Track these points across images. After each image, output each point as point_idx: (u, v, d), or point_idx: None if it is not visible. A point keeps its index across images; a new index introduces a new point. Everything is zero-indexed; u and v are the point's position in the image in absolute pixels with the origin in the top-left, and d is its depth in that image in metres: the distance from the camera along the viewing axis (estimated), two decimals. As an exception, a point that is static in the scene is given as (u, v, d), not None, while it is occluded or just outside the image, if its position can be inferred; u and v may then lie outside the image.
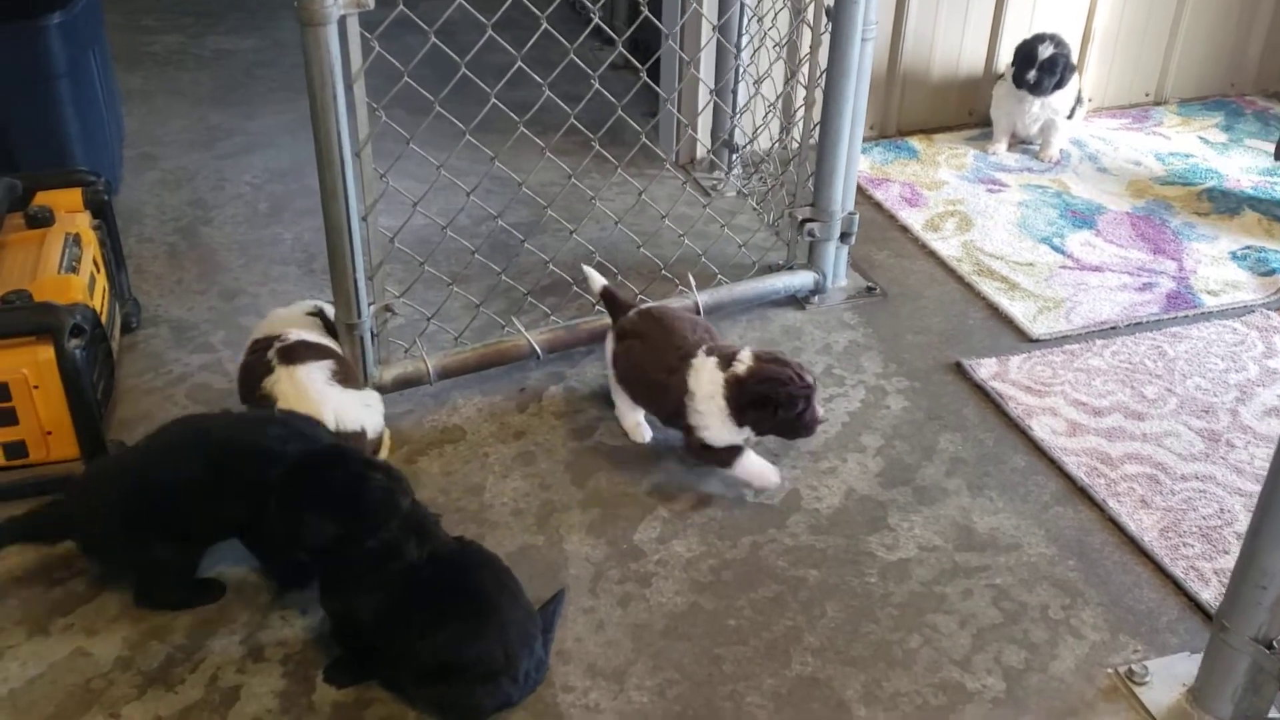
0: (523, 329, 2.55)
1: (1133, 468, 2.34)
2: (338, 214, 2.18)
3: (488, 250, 2.85)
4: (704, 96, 3.29)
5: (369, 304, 2.31)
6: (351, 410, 2.18)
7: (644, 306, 2.41)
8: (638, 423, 2.39)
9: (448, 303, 2.65)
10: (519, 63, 2.37)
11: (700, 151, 3.45)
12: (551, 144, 2.59)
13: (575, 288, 2.72)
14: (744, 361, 2.18)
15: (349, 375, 2.24)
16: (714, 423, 2.18)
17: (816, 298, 2.86)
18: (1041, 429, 2.44)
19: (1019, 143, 3.68)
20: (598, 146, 2.63)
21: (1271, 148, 3.69)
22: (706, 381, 2.18)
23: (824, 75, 2.63)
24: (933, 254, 3.10)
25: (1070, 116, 3.59)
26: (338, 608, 1.83)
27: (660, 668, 1.91)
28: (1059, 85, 3.43)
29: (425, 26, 2.23)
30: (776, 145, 3.20)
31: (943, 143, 3.70)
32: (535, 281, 2.81)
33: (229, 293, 2.90)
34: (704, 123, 3.40)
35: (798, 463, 2.35)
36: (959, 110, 3.80)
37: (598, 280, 2.49)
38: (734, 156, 3.39)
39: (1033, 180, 3.48)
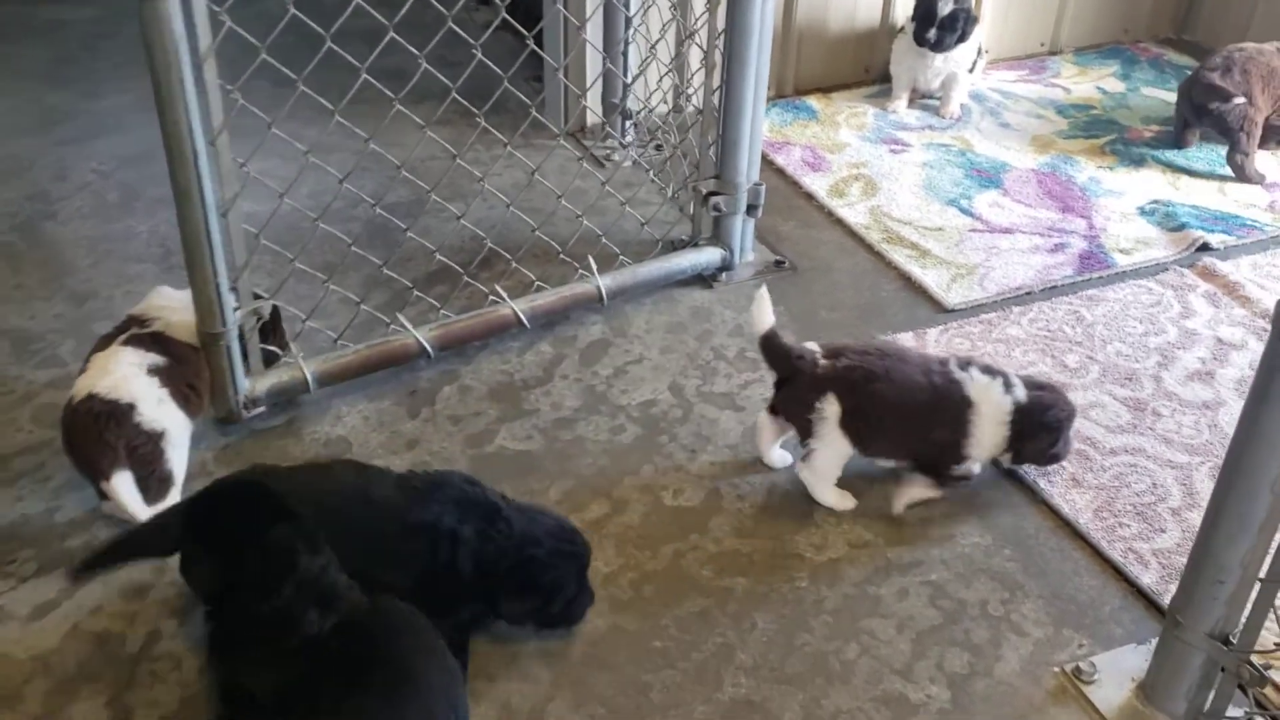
0: (409, 326, 2.32)
1: (1061, 444, 2.24)
2: (193, 213, 1.93)
3: (366, 238, 2.61)
4: (594, 60, 3.08)
5: (235, 309, 2.07)
6: (127, 386, 1.94)
7: (834, 347, 2.06)
8: (842, 494, 2.09)
9: (324, 300, 2.40)
10: (390, 32, 2.14)
11: (592, 119, 3.25)
12: (431, 117, 2.36)
13: (465, 276, 2.50)
14: (1016, 385, 2.03)
15: (177, 379, 2.01)
16: (988, 445, 2.03)
17: (724, 275, 2.69)
18: (965, 407, 2.33)
19: (919, 98, 3.56)
20: (483, 123, 2.41)
21: (1167, 95, 3.64)
22: (995, 403, 2.01)
23: (723, 36, 2.45)
24: (840, 222, 2.96)
25: (971, 70, 3.49)
26: (224, 675, 1.61)
27: (582, 702, 1.74)
28: (961, 39, 3.31)
29: (283, -7, 1.98)
30: (673, 112, 3.01)
31: (841, 101, 3.56)
32: (421, 270, 2.59)
33: (78, 297, 2.60)
34: (595, 89, 3.18)
35: (716, 458, 2.20)
36: (856, 67, 3.66)
37: (765, 317, 2.07)
38: (628, 124, 3.19)
39: (935, 139, 3.37)
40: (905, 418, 2.02)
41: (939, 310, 2.64)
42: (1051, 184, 3.15)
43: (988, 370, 2.05)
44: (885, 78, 3.60)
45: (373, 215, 2.57)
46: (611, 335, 2.52)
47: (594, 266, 2.51)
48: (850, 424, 2.01)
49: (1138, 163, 3.27)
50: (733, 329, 2.54)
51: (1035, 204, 3.06)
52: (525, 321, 2.41)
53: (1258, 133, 3.13)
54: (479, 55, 2.28)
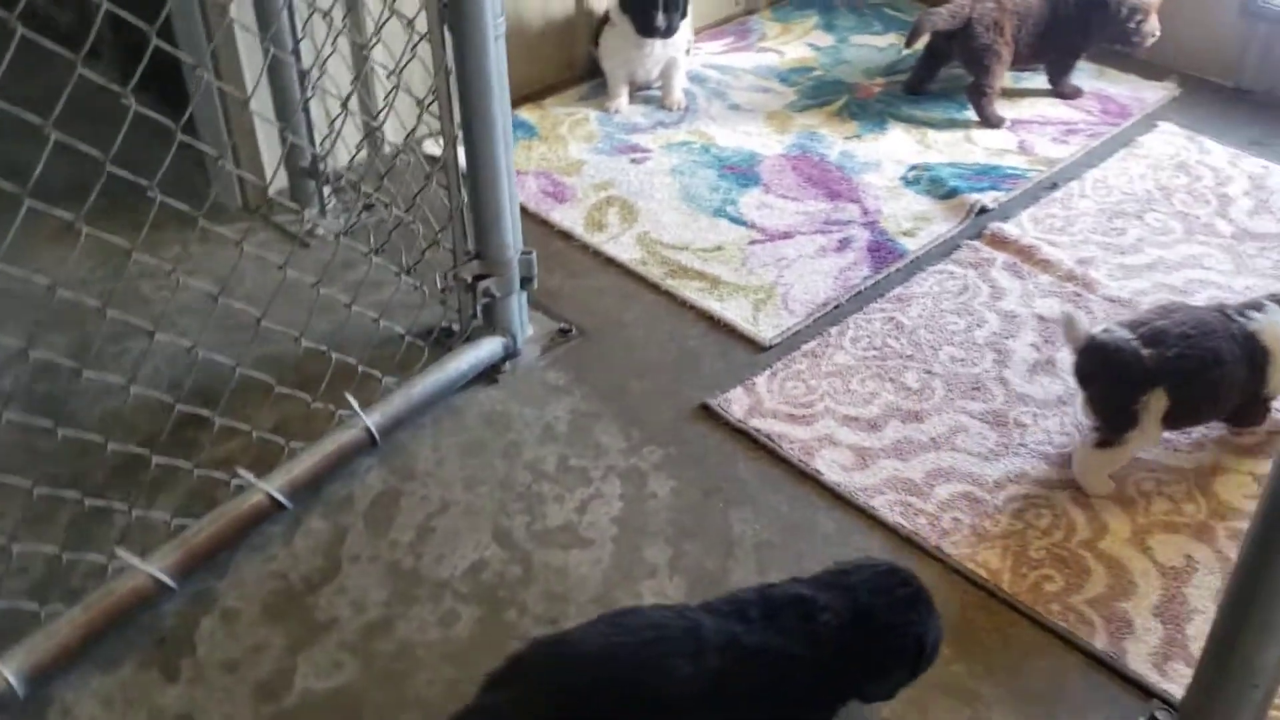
0: (136, 560, 1.71)
1: (944, 490, 1.99)
2: None
3: (20, 441, 1.91)
4: (265, 119, 2.47)
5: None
6: None
7: (1149, 330, 1.90)
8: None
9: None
10: None
11: (281, 187, 2.64)
12: (70, 224, 1.70)
13: (195, 467, 1.89)
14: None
15: None
16: None
17: (509, 364, 2.23)
18: (830, 469, 2.02)
19: (635, 90, 3.19)
20: (118, 245, 1.80)
21: (876, 40, 3.49)
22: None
23: (437, 93, 1.95)
24: (611, 262, 2.56)
25: (688, 51, 3.16)
26: None
27: None
28: (683, 18, 2.97)
29: None
30: (387, 168, 2.47)
31: (556, 108, 3.13)
32: (117, 461, 1.94)
33: None
34: (277, 151, 2.57)
35: (585, 614, 1.77)
36: (559, 65, 3.24)
37: (1081, 326, 1.94)
38: (327, 190, 2.62)
39: (671, 137, 3.02)
40: (1226, 396, 1.95)
41: (757, 350, 2.31)
42: (807, 168, 2.89)
43: (1257, 306, 1.97)
44: (593, 73, 3.22)
45: (19, 389, 1.89)
46: (397, 480, 2.01)
47: (355, 404, 1.97)
48: (1172, 415, 1.90)
49: (879, 124, 3.07)
50: (542, 432, 2.10)
51: (801, 196, 2.78)
52: (285, 503, 1.86)
53: (1002, 72, 3.00)
54: (102, 158, 1.67)
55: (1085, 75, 3.20)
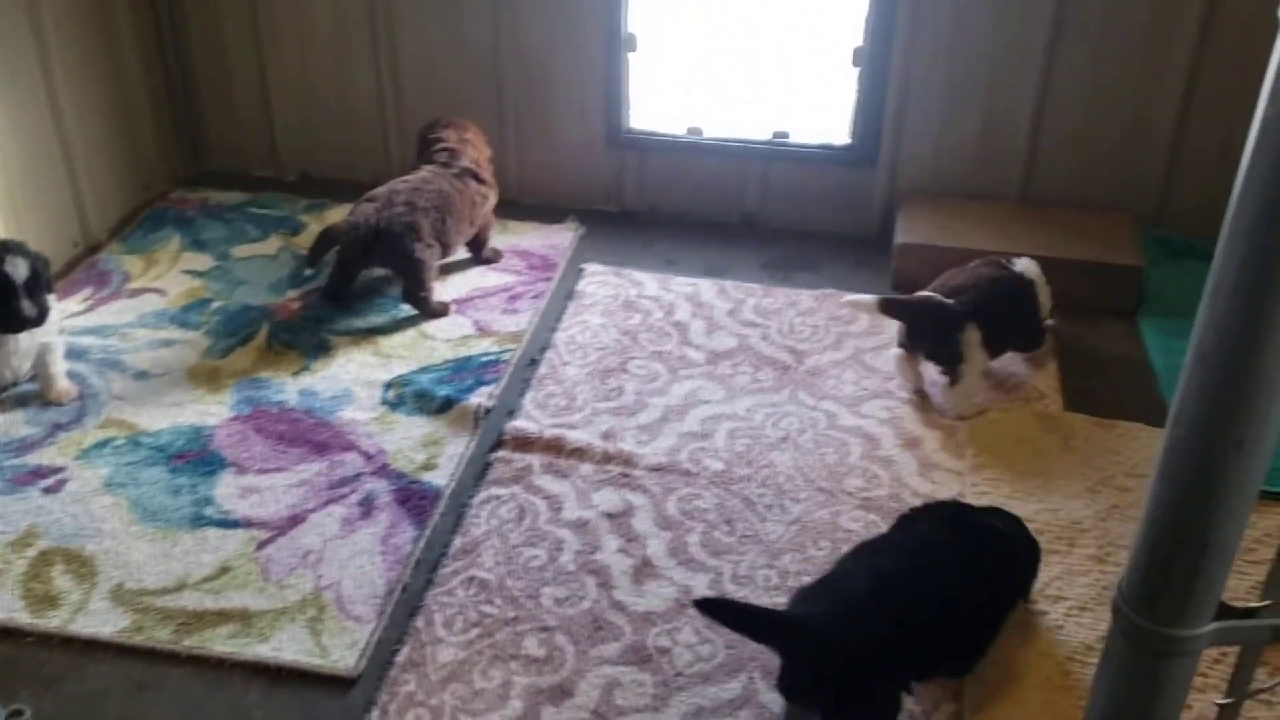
0: None
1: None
2: None
3: None
4: None
5: None
6: None
7: (950, 286, 2.49)
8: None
9: None
10: None
11: None
12: None
13: None
14: (1022, 258, 2.65)
15: None
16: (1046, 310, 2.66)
17: None
18: (516, 808, 1.66)
19: (1, 393, 2.47)
20: None
21: (262, 249, 3.09)
22: (1040, 275, 2.61)
23: None
24: (93, 644, 1.90)
25: (61, 331, 2.51)
26: None
27: None
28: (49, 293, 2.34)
29: None
30: None
31: (-104, 451, 2.30)
32: None
33: None
34: None
35: None
36: (-125, 390, 2.40)
37: (865, 299, 2.51)
38: None
39: (82, 440, 2.37)
40: (1019, 320, 2.55)
41: (344, 687, 1.85)
42: (271, 424, 2.44)
43: (1012, 258, 2.60)
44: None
45: None
46: None
47: None
48: (988, 342, 2.43)
49: (322, 348, 2.69)
50: None
51: (285, 463, 2.33)
52: None
53: (433, 272, 2.79)
54: None
55: (492, 234, 3.11)
